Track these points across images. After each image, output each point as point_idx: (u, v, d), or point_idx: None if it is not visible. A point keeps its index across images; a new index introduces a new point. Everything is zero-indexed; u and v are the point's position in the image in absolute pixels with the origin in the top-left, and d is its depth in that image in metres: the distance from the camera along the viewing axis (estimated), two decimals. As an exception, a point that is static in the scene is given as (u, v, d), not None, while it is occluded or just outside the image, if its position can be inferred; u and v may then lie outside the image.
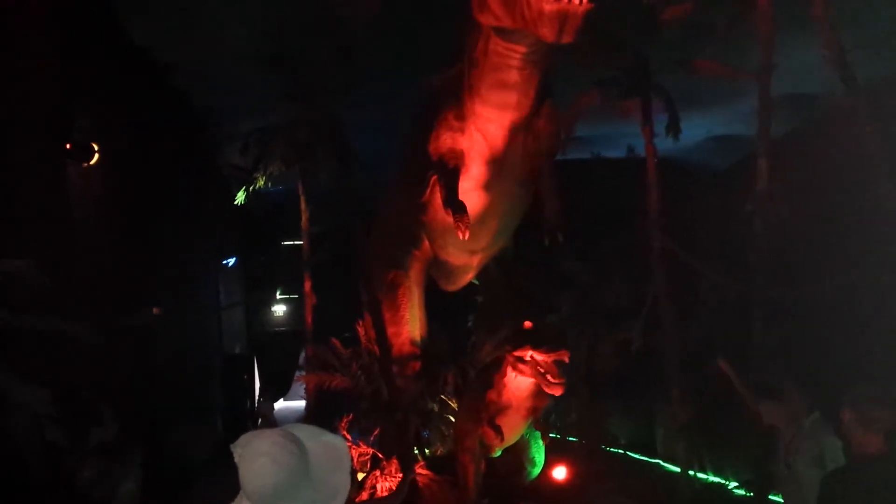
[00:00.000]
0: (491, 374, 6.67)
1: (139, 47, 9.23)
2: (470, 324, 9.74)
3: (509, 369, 6.33)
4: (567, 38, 4.58)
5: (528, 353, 6.06)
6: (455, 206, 5.88)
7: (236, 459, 2.16)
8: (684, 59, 8.77)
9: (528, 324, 6.37)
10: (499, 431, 6.58)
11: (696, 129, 11.68)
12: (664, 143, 9.23)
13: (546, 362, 5.99)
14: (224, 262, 14.71)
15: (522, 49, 5.28)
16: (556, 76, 6.24)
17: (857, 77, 7.39)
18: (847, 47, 7.33)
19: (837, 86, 7.60)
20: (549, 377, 6.00)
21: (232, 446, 2.19)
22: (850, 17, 7.74)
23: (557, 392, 6.11)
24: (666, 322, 9.22)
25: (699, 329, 10.11)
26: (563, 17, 4.46)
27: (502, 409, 6.58)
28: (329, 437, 2.29)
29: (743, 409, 6.01)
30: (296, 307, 16.29)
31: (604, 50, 8.44)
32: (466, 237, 5.87)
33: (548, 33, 4.58)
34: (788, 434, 5.30)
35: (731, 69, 8.56)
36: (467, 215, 5.85)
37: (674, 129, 9.10)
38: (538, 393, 6.47)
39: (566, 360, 6.02)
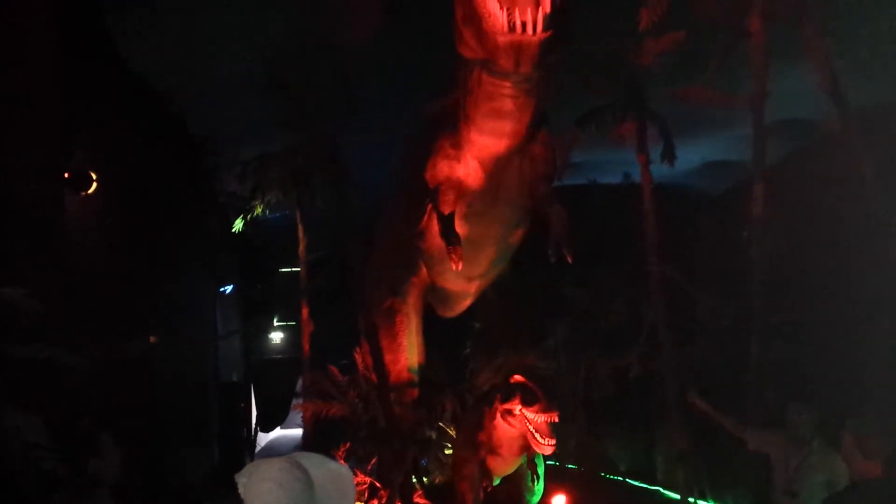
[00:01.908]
0: (482, 414, 6.66)
1: (137, 75, 9.28)
2: (468, 350, 9.72)
3: (499, 416, 6.35)
4: (525, 68, 4.69)
5: (518, 408, 6.09)
6: (450, 236, 5.91)
7: (241, 490, 2.17)
8: (679, 86, 8.84)
9: (518, 377, 6.42)
10: (486, 472, 6.58)
11: (692, 155, 11.73)
12: (660, 170, 9.27)
13: (536, 421, 6.04)
14: (221, 289, 14.69)
15: (507, 79, 5.32)
16: (552, 102, 6.28)
17: (849, 103, 7.46)
18: (839, 73, 7.41)
19: (831, 111, 7.67)
20: (538, 435, 6.04)
21: (237, 476, 2.20)
22: (842, 44, 7.82)
23: (546, 452, 6.15)
24: (664, 347, 9.20)
25: (697, 354, 10.10)
26: (517, 48, 4.55)
27: (493, 450, 6.57)
28: (333, 466, 2.31)
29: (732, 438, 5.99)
30: (293, 334, 16.24)
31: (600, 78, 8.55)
32: (459, 268, 5.89)
33: (505, 63, 4.68)
34: (793, 462, 5.27)
35: (725, 96, 8.61)
36: (461, 247, 5.88)
37: (669, 155, 9.14)
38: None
39: (556, 420, 6.06)
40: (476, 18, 4.65)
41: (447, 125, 6.23)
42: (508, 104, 5.54)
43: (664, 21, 7.76)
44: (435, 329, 8.60)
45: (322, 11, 8.52)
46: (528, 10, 4.43)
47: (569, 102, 8.65)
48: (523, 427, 6.12)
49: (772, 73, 7.94)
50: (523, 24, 4.45)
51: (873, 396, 6.73)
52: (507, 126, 5.76)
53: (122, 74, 9.05)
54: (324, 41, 8.94)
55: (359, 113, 9.70)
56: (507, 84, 5.36)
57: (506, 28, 4.47)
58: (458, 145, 6.16)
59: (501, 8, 4.47)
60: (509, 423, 6.25)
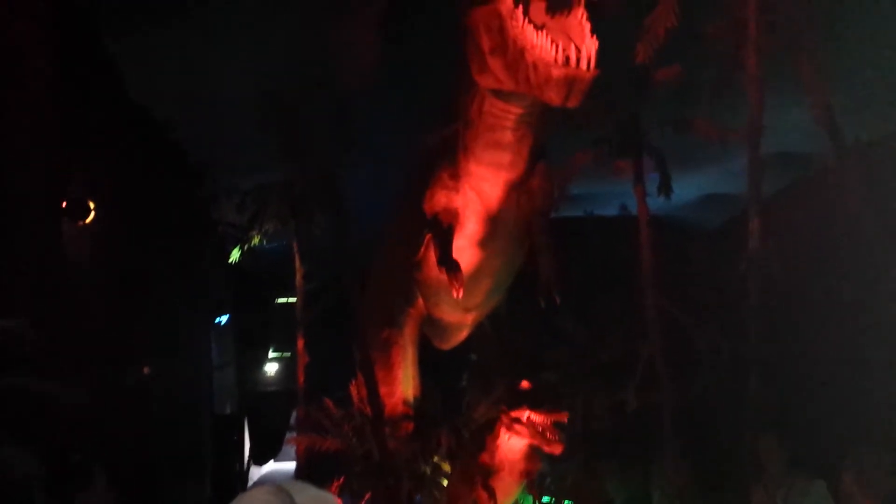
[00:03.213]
0: (484, 436, 6.66)
1: (137, 104, 9.32)
2: (464, 382, 9.65)
3: (503, 430, 6.35)
4: (573, 103, 4.59)
5: (526, 414, 6.11)
6: (449, 265, 5.90)
7: None
8: (675, 118, 8.90)
9: (525, 383, 6.44)
10: (492, 494, 6.51)
11: (688, 187, 11.78)
12: (657, 202, 9.29)
13: (544, 424, 6.09)
14: (216, 319, 14.63)
15: (518, 110, 5.33)
16: (550, 135, 6.30)
17: (845, 137, 7.51)
18: (835, 108, 7.46)
19: (827, 145, 7.71)
20: (547, 435, 6.09)
21: None
22: (838, 79, 7.89)
23: (557, 451, 6.19)
24: (661, 381, 9.16)
25: (694, 388, 10.04)
26: (570, 82, 4.46)
27: (495, 472, 6.53)
28: (317, 492, 2.31)
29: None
30: (288, 366, 16.14)
31: (597, 111, 8.58)
32: (460, 296, 5.88)
33: (554, 97, 4.58)
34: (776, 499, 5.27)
35: (721, 129, 8.66)
36: (461, 273, 5.88)
37: (665, 187, 9.18)
38: (531, 455, 6.48)
39: (565, 420, 6.18)
40: (513, 50, 4.60)
41: (446, 156, 6.24)
42: (508, 135, 5.55)
43: (661, 53, 7.81)
44: (431, 361, 8.55)
45: (322, 45, 8.59)
46: (583, 46, 4.42)
47: (565, 135, 8.69)
48: (532, 432, 6.17)
49: (768, 104, 8.00)
50: (577, 59, 4.42)
51: (873, 431, 6.69)
52: (507, 157, 5.77)
53: (121, 103, 9.09)
54: (323, 73, 9.00)
55: (356, 144, 9.74)
56: (511, 116, 5.37)
57: (561, 61, 4.43)
58: (456, 176, 6.16)
59: (553, 42, 4.45)
60: (516, 433, 6.25)
